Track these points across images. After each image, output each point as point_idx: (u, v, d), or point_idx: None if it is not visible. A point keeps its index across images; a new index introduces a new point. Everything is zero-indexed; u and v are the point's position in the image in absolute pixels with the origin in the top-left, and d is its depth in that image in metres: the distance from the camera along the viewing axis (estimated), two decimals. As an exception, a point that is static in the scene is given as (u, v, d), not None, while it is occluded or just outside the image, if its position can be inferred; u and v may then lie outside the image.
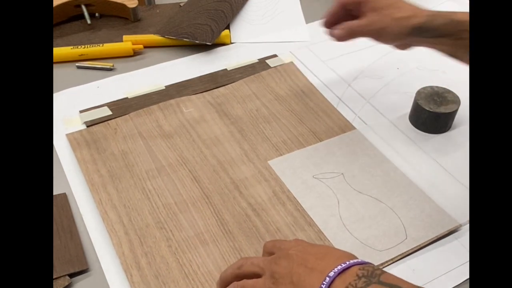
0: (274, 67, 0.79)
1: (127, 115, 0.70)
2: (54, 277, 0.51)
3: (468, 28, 0.56)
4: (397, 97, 0.75)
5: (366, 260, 0.43)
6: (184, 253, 0.54)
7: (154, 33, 0.84)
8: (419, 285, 0.52)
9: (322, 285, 0.41)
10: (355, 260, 0.42)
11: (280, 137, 0.68)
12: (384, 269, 0.53)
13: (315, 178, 0.62)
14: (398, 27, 0.60)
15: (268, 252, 0.48)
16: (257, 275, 0.46)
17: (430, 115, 0.67)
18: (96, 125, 0.69)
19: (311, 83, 0.76)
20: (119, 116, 0.70)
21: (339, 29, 0.63)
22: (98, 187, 0.61)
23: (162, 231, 0.56)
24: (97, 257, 0.54)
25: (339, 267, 0.41)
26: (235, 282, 0.47)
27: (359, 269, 0.41)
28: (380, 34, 0.62)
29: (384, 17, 0.60)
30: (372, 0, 0.61)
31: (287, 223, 0.57)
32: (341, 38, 0.64)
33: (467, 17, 0.57)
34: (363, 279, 0.40)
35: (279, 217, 0.58)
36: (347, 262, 0.42)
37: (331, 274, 0.41)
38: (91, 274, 0.53)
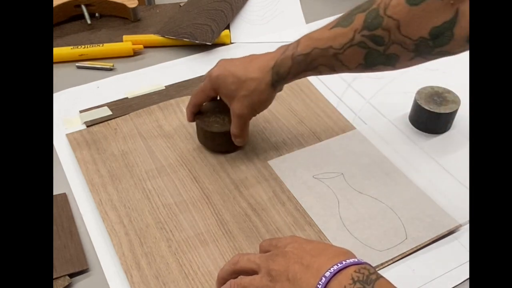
0: (274, 67, 0.79)
1: (127, 115, 0.70)
2: (54, 277, 0.51)
3: (314, 56, 0.57)
4: (397, 97, 0.75)
5: (366, 260, 0.43)
6: (184, 253, 0.54)
7: (154, 33, 0.84)
8: (419, 285, 0.52)
9: (318, 286, 0.41)
10: (351, 260, 0.42)
11: (280, 137, 0.68)
12: (384, 269, 0.54)
13: (315, 178, 0.62)
14: (261, 97, 0.60)
15: (265, 251, 0.48)
16: (253, 272, 0.46)
17: (430, 115, 0.67)
18: (96, 125, 0.68)
19: (311, 83, 0.76)
20: (119, 116, 0.70)
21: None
22: (98, 187, 0.61)
23: (162, 232, 0.56)
24: (97, 257, 0.54)
25: (335, 267, 0.41)
26: (231, 280, 0.47)
27: (355, 271, 0.41)
28: (252, 113, 0.61)
29: (241, 100, 0.59)
30: (219, 91, 0.61)
31: (287, 223, 0.57)
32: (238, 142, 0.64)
33: (307, 43, 0.58)
34: (358, 284, 0.40)
35: (279, 217, 0.58)
36: (343, 262, 0.42)
37: (327, 274, 0.41)
38: (91, 274, 0.53)
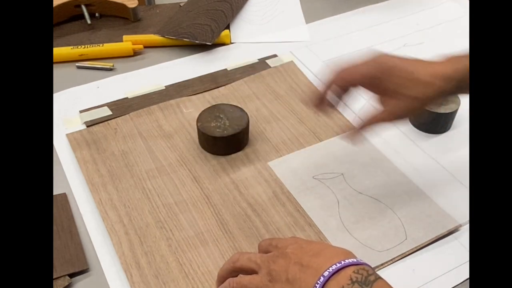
0: (274, 66, 0.79)
1: (127, 115, 0.70)
2: (54, 277, 0.51)
3: None
4: (397, 97, 0.75)
5: (366, 261, 0.43)
6: (184, 252, 0.54)
7: (154, 33, 0.84)
8: (419, 285, 0.52)
9: (316, 285, 0.41)
10: (350, 260, 0.42)
11: (280, 138, 0.68)
12: (384, 269, 0.54)
13: (315, 178, 0.62)
14: (423, 104, 0.53)
15: (264, 250, 0.48)
16: (252, 271, 0.46)
17: (430, 115, 0.67)
18: (96, 125, 0.69)
19: (311, 83, 0.76)
20: (119, 116, 0.70)
21: (357, 132, 0.55)
22: (98, 187, 0.61)
23: (162, 231, 0.56)
24: (97, 257, 0.54)
25: (333, 266, 0.41)
26: (230, 278, 0.47)
27: (354, 271, 0.41)
28: (406, 117, 0.55)
29: (404, 100, 0.52)
30: (383, 79, 0.52)
31: (287, 223, 0.57)
32: (360, 141, 0.56)
33: None
34: (356, 285, 0.40)
35: (279, 217, 0.58)
36: (342, 262, 0.42)
37: (326, 274, 0.41)
38: (91, 274, 0.53)
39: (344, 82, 0.53)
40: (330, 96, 0.55)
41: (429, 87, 0.52)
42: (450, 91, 0.53)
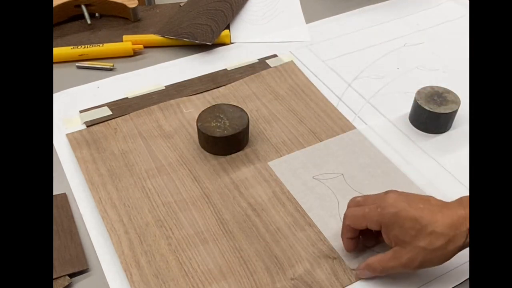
0: (275, 66, 0.79)
1: (127, 115, 0.70)
2: (54, 277, 0.51)
3: None
4: (397, 97, 0.75)
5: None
6: (184, 251, 0.54)
7: (154, 33, 0.84)
8: (419, 285, 0.52)
9: None
10: None
11: (280, 138, 0.68)
12: (384, 269, 0.53)
13: (315, 179, 0.62)
14: (440, 258, 0.48)
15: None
16: None
17: (430, 115, 0.67)
18: (96, 125, 0.69)
19: (311, 83, 0.76)
20: (119, 116, 0.70)
21: (359, 270, 0.52)
22: (97, 186, 0.61)
23: (161, 229, 0.56)
24: (97, 257, 0.54)
25: None
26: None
27: None
28: (418, 268, 0.49)
29: (417, 251, 0.48)
30: (393, 228, 0.49)
31: (287, 223, 0.57)
32: (364, 276, 0.53)
33: None
34: None
35: (279, 217, 0.58)
36: None
37: None
38: (91, 274, 0.53)
39: (354, 232, 0.53)
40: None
41: (447, 241, 0.47)
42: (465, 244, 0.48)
